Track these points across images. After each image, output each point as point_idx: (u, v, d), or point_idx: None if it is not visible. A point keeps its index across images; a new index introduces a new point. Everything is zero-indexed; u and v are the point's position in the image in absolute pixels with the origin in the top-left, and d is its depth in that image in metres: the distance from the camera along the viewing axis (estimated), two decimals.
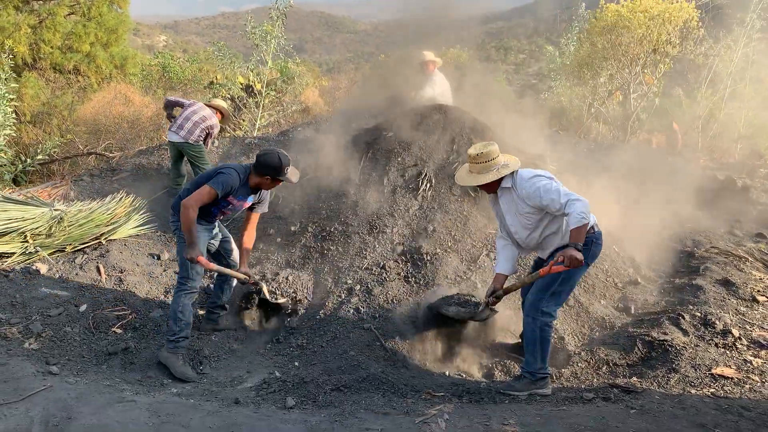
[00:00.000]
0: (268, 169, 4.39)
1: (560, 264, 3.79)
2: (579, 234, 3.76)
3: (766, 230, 7.34)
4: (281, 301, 5.26)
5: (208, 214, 4.55)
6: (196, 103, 7.60)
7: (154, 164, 8.85)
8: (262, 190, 4.68)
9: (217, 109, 7.67)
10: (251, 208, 4.79)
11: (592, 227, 4.00)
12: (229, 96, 14.52)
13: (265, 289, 5.07)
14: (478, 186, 4.13)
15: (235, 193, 4.46)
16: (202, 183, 4.40)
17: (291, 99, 16.35)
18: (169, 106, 7.64)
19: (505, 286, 4.26)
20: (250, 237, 4.86)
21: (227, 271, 4.80)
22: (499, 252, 4.31)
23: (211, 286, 5.41)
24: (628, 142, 14.79)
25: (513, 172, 4.04)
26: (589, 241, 3.96)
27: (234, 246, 5.06)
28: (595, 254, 4.10)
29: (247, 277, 4.83)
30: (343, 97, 19.50)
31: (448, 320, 4.69)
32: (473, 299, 4.64)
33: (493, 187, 4.12)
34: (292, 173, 4.50)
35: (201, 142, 7.45)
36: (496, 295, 4.26)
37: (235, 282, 5.16)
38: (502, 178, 4.05)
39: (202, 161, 7.43)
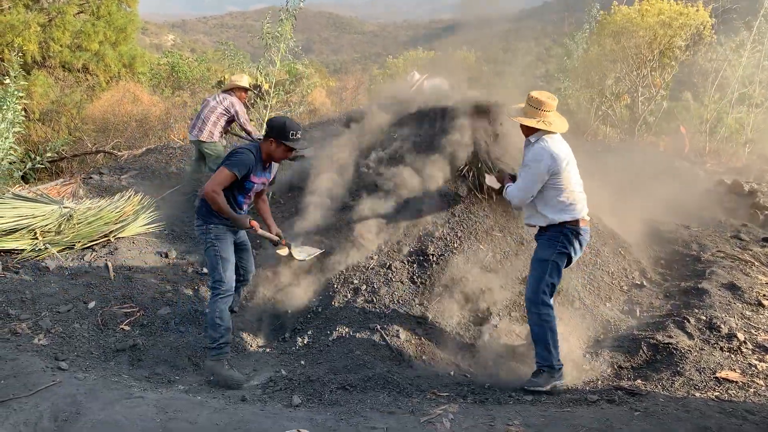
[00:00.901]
0: (273, 131, 4.32)
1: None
2: (507, 193, 4.46)
3: None
4: (303, 257, 5.38)
5: (235, 204, 4.49)
6: (207, 99, 7.54)
7: (162, 163, 8.91)
8: (273, 163, 4.64)
9: (234, 89, 7.52)
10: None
11: (577, 221, 4.19)
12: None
13: (293, 250, 5.26)
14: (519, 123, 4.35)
15: (255, 171, 4.40)
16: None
17: (298, 99, 16.40)
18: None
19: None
20: (265, 203, 5.02)
21: (267, 234, 4.89)
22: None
23: None
24: (635, 144, 14.77)
25: (546, 135, 4.22)
26: (563, 231, 4.19)
27: (251, 266, 5.05)
28: (575, 248, 4.25)
29: (279, 238, 5.00)
30: (350, 98, 19.54)
31: None
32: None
33: (525, 132, 4.37)
34: (301, 142, 4.42)
35: (214, 140, 7.36)
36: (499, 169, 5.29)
37: (245, 290, 5.21)
38: (534, 132, 4.27)
39: (214, 161, 7.35)
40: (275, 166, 4.85)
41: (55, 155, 10.79)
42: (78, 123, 13.70)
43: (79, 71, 16.01)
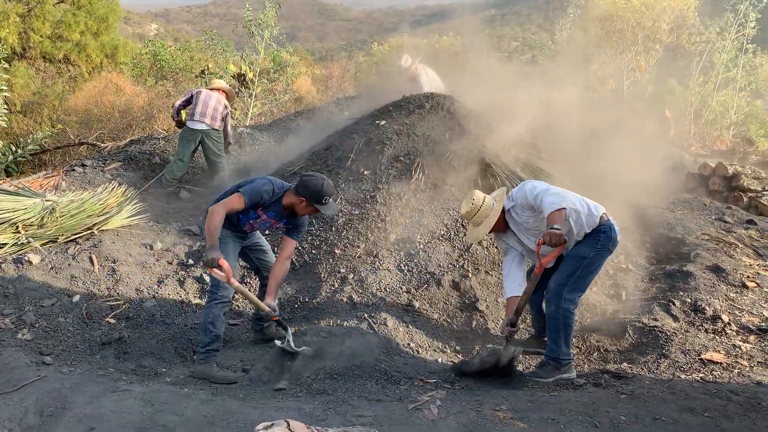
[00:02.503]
0: (307, 191, 4.09)
1: (545, 248, 3.80)
2: (553, 217, 3.74)
3: (756, 217, 7.39)
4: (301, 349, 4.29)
5: (235, 222, 4.29)
6: (203, 91, 7.90)
7: (146, 154, 8.82)
8: (298, 215, 4.31)
9: (221, 90, 8.04)
10: (286, 232, 4.42)
11: (603, 215, 4.06)
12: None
13: (290, 336, 4.28)
14: (490, 231, 4.20)
15: (266, 208, 4.20)
16: (234, 190, 4.16)
17: (283, 88, 16.28)
18: (178, 112, 8.02)
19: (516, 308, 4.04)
20: (279, 267, 4.36)
21: (251, 297, 4.21)
22: (505, 276, 4.28)
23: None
24: (620, 128, 14.82)
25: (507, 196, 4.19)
26: (602, 230, 4.03)
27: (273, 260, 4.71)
28: (615, 241, 4.09)
29: (272, 312, 4.23)
30: (335, 85, 19.46)
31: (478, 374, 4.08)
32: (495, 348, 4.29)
33: (502, 224, 4.20)
34: (330, 206, 4.23)
35: (220, 130, 7.88)
36: (511, 322, 4.03)
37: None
38: (503, 210, 4.16)
39: (219, 147, 7.87)
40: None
41: (38, 148, 10.64)
42: (60, 115, 13.52)
43: (60, 62, 15.80)
